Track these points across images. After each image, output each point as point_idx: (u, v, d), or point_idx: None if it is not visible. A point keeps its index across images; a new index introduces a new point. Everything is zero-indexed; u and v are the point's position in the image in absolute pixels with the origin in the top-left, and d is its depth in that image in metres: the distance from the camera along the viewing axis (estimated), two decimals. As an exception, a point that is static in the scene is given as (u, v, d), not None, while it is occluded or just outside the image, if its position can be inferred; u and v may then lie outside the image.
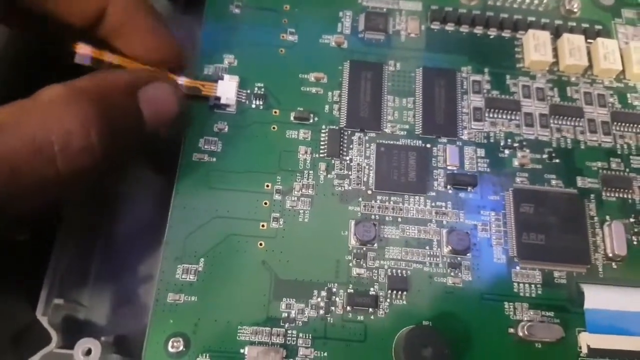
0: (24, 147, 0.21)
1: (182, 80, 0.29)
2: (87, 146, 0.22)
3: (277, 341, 0.26)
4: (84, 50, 0.26)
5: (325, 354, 0.26)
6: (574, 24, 0.35)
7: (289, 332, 0.26)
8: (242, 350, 0.26)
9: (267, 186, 0.29)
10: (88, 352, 0.26)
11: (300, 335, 0.26)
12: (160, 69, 0.28)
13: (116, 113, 0.24)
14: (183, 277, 0.27)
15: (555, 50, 0.34)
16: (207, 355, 0.25)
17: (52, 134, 0.21)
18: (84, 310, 0.30)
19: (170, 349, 0.25)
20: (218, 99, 0.30)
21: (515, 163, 0.31)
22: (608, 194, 0.30)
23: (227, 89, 0.30)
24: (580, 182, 0.31)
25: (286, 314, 0.27)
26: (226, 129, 0.30)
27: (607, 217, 0.30)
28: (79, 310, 0.30)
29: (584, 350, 0.27)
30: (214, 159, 0.29)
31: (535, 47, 0.33)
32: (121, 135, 0.24)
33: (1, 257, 0.25)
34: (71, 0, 0.25)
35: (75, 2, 0.25)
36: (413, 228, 0.29)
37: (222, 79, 0.30)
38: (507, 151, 0.31)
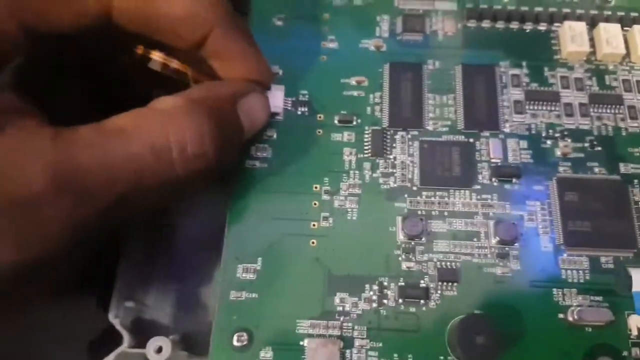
0: (144, 151, 0.23)
1: None
2: (202, 153, 0.24)
3: (334, 333, 0.27)
4: (157, 57, 0.28)
5: (381, 344, 0.27)
6: (610, 12, 0.35)
7: (345, 324, 0.27)
8: (301, 343, 0.27)
9: (316, 188, 0.30)
10: (159, 349, 0.28)
11: (356, 327, 0.27)
12: None
13: (225, 123, 0.26)
14: (244, 275, 0.28)
15: (591, 40, 0.34)
16: (270, 348, 0.27)
17: (170, 140, 0.23)
18: (150, 311, 0.32)
19: (235, 343, 0.27)
20: (268, 108, 0.32)
21: (558, 153, 0.31)
22: (652, 179, 0.31)
23: (274, 99, 0.31)
24: (623, 168, 0.31)
25: (341, 308, 0.28)
26: (275, 136, 0.32)
27: (652, 201, 0.30)
28: (146, 311, 0.32)
29: (634, 332, 0.27)
30: (265, 165, 0.31)
31: (572, 38, 0.34)
32: (229, 143, 0.26)
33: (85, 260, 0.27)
34: (178, 32, 0.26)
35: (185, 32, 0.26)
36: (460, 221, 0.30)
37: (269, 89, 0.32)
38: (549, 141, 0.32)
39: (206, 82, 0.28)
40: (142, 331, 0.31)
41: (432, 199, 0.30)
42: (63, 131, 0.22)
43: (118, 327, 0.29)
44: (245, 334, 0.27)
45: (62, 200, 0.21)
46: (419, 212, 0.30)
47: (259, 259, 0.29)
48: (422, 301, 0.28)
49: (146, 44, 0.28)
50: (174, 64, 0.28)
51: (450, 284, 0.28)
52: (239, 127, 0.27)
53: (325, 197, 0.30)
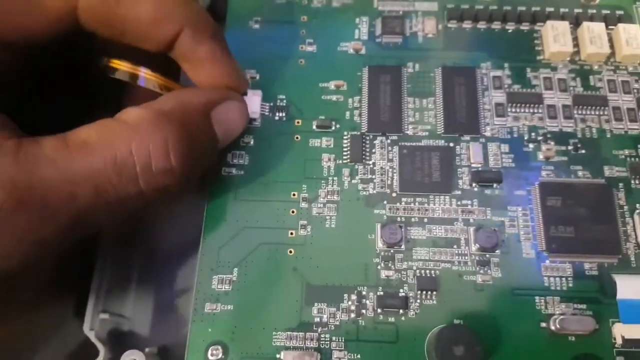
0: (106, 166, 0.22)
1: None
2: (167, 168, 0.23)
3: (311, 345, 0.27)
4: (124, 67, 0.27)
5: (359, 355, 0.26)
6: (594, 11, 0.34)
7: (322, 336, 0.27)
8: (278, 356, 0.26)
9: (294, 195, 0.30)
10: (133, 363, 0.27)
11: (333, 338, 0.27)
12: None
13: (195, 135, 0.25)
14: (219, 287, 0.28)
15: (575, 39, 0.33)
16: (245, 361, 0.26)
17: (133, 154, 0.23)
18: (127, 322, 0.31)
19: (210, 357, 0.26)
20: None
21: (540, 156, 0.31)
22: (637, 182, 0.30)
23: (251, 104, 0.31)
24: (607, 171, 0.30)
25: (318, 319, 0.27)
26: (252, 142, 0.31)
27: (638, 206, 0.29)
28: (123, 323, 0.31)
29: (619, 341, 0.26)
30: (242, 172, 0.30)
31: (555, 38, 0.33)
32: (199, 155, 0.26)
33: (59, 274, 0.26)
34: (145, 33, 0.26)
35: (151, 35, 0.26)
36: (440, 228, 0.29)
37: (245, 94, 0.31)
38: (531, 145, 0.31)
39: (178, 91, 0.27)
40: (121, 343, 0.30)
41: (412, 205, 0.30)
42: (25, 144, 0.22)
43: (93, 339, 0.29)
44: (219, 347, 0.27)
45: (20, 215, 0.21)
46: (399, 219, 0.29)
47: (235, 269, 0.28)
48: (401, 311, 0.27)
49: (117, 52, 0.27)
50: (143, 72, 0.27)
51: (429, 292, 0.28)
52: (212, 137, 0.27)
53: (303, 204, 0.30)
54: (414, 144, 0.31)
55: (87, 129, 0.23)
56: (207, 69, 0.28)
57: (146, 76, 0.27)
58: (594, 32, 0.33)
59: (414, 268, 0.28)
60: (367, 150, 0.31)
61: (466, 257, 0.28)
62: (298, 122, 0.32)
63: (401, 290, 0.28)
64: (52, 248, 0.22)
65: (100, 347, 0.29)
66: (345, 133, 0.31)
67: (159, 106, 0.25)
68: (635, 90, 0.32)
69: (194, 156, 0.25)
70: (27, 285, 0.24)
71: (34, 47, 0.25)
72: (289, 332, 0.27)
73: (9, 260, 0.21)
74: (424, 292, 0.28)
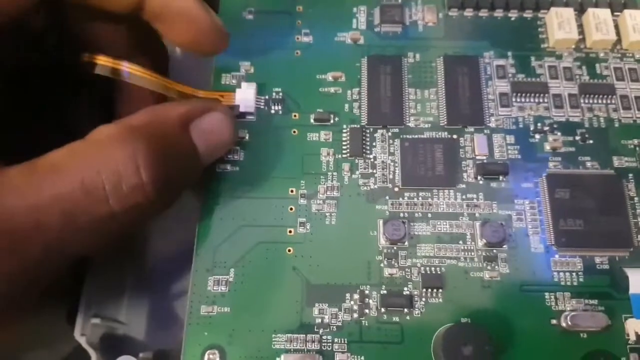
0: (73, 189, 0.21)
1: (201, 94, 0.29)
2: (138, 185, 0.22)
3: (313, 347, 0.26)
4: (103, 62, 0.26)
5: (362, 357, 0.25)
6: (599, -4, 0.33)
7: (324, 337, 0.26)
8: (278, 359, 0.25)
9: (292, 191, 0.29)
10: (125, 369, 0.26)
11: (336, 340, 0.26)
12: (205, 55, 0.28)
13: (169, 149, 0.24)
14: (215, 288, 0.27)
15: (580, 26, 0.32)
16: (244, 366, 0.25)
17: (101, 174, 0.21)
18: (122, 327, 0.30)
19: (206, 362, 0.25)
20: (237, 107, 0.30)
21: (547, 147, 0.30)
22: (647, 172, 0.29)
23: (245, 97, 0.30)
24: (616, 161, 0.29)
25: (320, 320, 0.26)
26: (247, 137, 0.30)
27: (648, 197, 0.28)
28: (117, 327, 0.30)
29: (632, 337, 0.26)
30: (237, 168, 0.29)
31: (559, 25, 0.32)
32: (175, 171, 0.24)
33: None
34: None
35: None
36: (444, 223, 0.28)
37: (239, 87, 0.30)
38: (537, 136, 0.30)
39: (154, 106, 0.26)
40: (115, 348, 0.29)
41: (415, 200, 0.28)
42: None
43: (84, 345, 0.28)
44: (216, 351, 0.25)
45: None
46: (401, 215, 0.28)
47: (232, 270, 0.27)
48: (405, 310, 0.26)
49: (101, 49, 0.26)
50: (125, 66, 0.26)
51: (435, 290, 0.27)
52: (190, 150, 0.25)
53: (301, 201, 0.29)
54: (416, 136, 0.30)
55: (56, 153, 0.22)
56: (184, 27, 0.27)
57: (129, 70, 0.26)
58: (599, 18, 0.32)
59: (419, 265, 0.27)
60: (368, 143, 0.30)
61: (472, 253, 0.27)
62: (295, 116, 0.30)
63: (405, 289, 0.27)
64: (25, 283, 0.21)
65: (92, 352, 0.28)
66: (345, 126, 0.30)
67: (129, 122, 0.23)
68: (643, 78, 0.31)
69: (169, 171, 0.23)
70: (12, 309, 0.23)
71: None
72: (289, 334, 0.26)
73: None
74: (430, 290, 0.27)
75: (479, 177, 0.29)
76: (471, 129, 0.30)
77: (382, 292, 0.27)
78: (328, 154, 0.29)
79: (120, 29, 0.27)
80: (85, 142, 0.22)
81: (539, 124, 0.30)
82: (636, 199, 0.28)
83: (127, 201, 0.22)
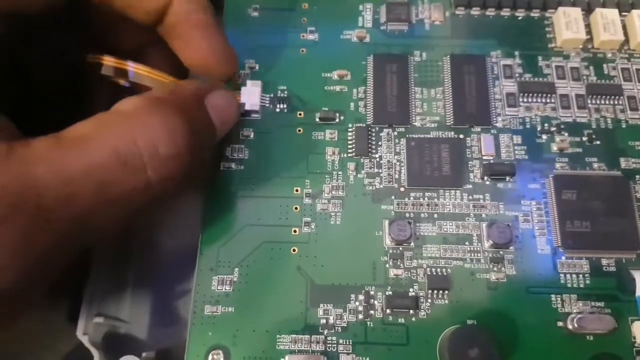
0: (107, 159, 0.20)
1: None
2: (175, 153, 0.22)
3: (317, 348, 0.25)
4: (108, 62, 0.26)
5: (367, 359, 0.25)
6: (607, -4, 0.33)
7: (329, 338, 0.26)
8: (282, 360, 0.25)
9: (297, 190, 0.28)
10: (128, 368, 0.26)
11: (341, 341, 0.26)
12: (212, 77, 0.28)
13: (194, 120, 0.24)
14: (219, 288, 0.26)
15: (588, 26, 0.32)
16: (248, 366, 0.25)
17: (138, 144, 0.21)
18: (125, 326, 0.30)
19: (210, 362, 0.25)
20: (242, 105, 0.30)
21: (554, 148, 0.29)
22: (655, 174, 0.29)
23: (250, 95, 0.30)
24: (624, 163, 0.29)
25: (324, 320, 0.26)
26: (252, 136, 0.30)
27: (656, 198, 0.28)
28: (120, 326, 0.30)
29: (639, 340, 0.25)
30: (242, 167, 0.29)
31: (567, 25, 0.32)
32: (201, 143, 0.24)
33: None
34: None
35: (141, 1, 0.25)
36: (450, 224, 0.28)
37: (244, 85, 0.30)
38: (544, 136, 0.30)
39: (168, 82, 0.26)
40: (118, 347, 0.29)
41: (421, 200, 0.28)
42: (17, 146, 0.20)
43: (87, 344, 0.28)
44: (220, 351, 0.25)
45: (13, 223, 0.19)
46: (407, 215, 0.28)
47: (236, 269, 0.27)
48: (411, 311, 0.26)
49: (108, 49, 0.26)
50: (131, 66, 0.26)
51: (440, 292, 0.26)
52: (209, 124, 0.25)
53: (306, 200, 0.28)
54: (422, 136, 0.30)
55: (83, 125, 0.21)
56: (199, 45, 0.27)
57: (135, 70, 0.26)
58: (607, 19, 0.32)
59: (424, 266, 0.27)
60: (373, 143, 0.29)
61: (479, 254, 0.27)
62: (300, 114, 0.30)
63: (411, 290, 0.27)
64: (50, 261, 0.20)
65: (94, 351, 0.28)
66: (350, 125, 0.30)
67: (153, 94, 0.23)
68: (650, 79, 0.31)
69: (198, 142, 0.23)
70: (25, 299, 0.22)
71: (30, 14, 0.23)
72: (293, 335, 0.26)
73: (3, 275, 0.19)
74: (435, 292, 0.26)
75: (485, 178, 0.29)
76: (478, 128, 0.30)
77: (387, 293, 0.26)
78: (333, 153, 0.29)
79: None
80: (113, 113, 0.22)
81: (546, 125, 0.30)
82: (643, 200, 0.28)
83: (164, 171, 0.22)
